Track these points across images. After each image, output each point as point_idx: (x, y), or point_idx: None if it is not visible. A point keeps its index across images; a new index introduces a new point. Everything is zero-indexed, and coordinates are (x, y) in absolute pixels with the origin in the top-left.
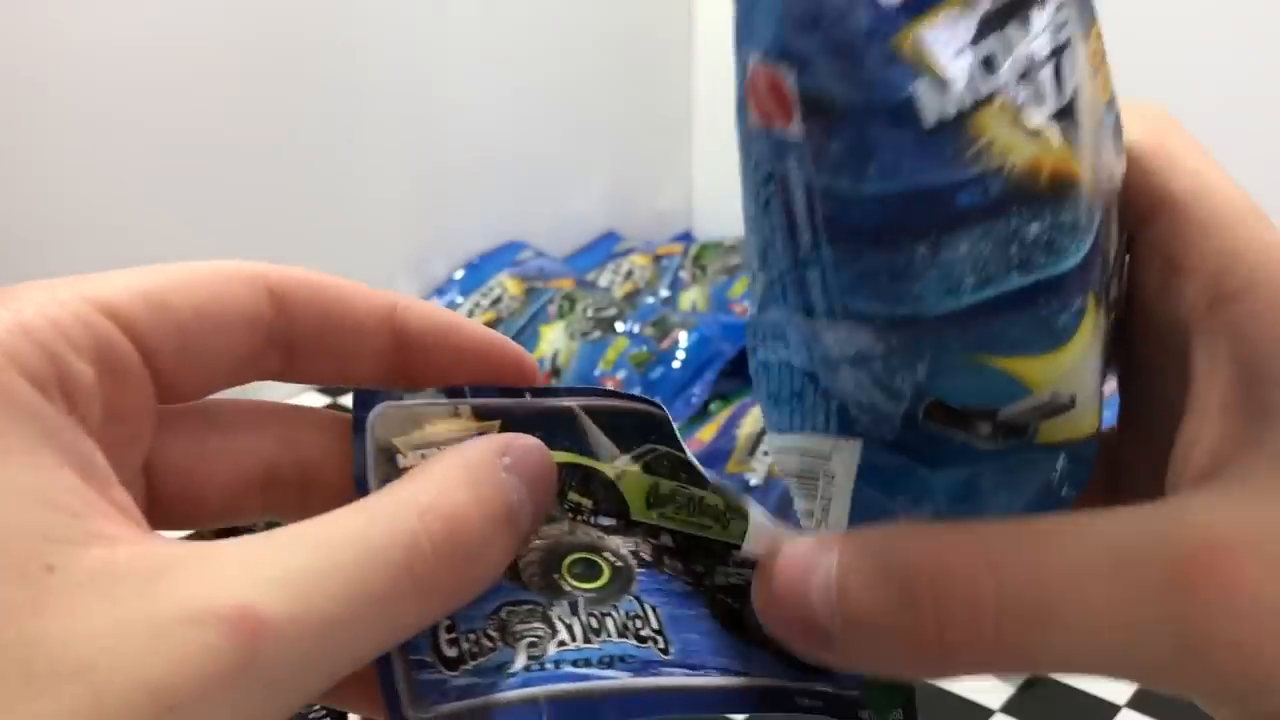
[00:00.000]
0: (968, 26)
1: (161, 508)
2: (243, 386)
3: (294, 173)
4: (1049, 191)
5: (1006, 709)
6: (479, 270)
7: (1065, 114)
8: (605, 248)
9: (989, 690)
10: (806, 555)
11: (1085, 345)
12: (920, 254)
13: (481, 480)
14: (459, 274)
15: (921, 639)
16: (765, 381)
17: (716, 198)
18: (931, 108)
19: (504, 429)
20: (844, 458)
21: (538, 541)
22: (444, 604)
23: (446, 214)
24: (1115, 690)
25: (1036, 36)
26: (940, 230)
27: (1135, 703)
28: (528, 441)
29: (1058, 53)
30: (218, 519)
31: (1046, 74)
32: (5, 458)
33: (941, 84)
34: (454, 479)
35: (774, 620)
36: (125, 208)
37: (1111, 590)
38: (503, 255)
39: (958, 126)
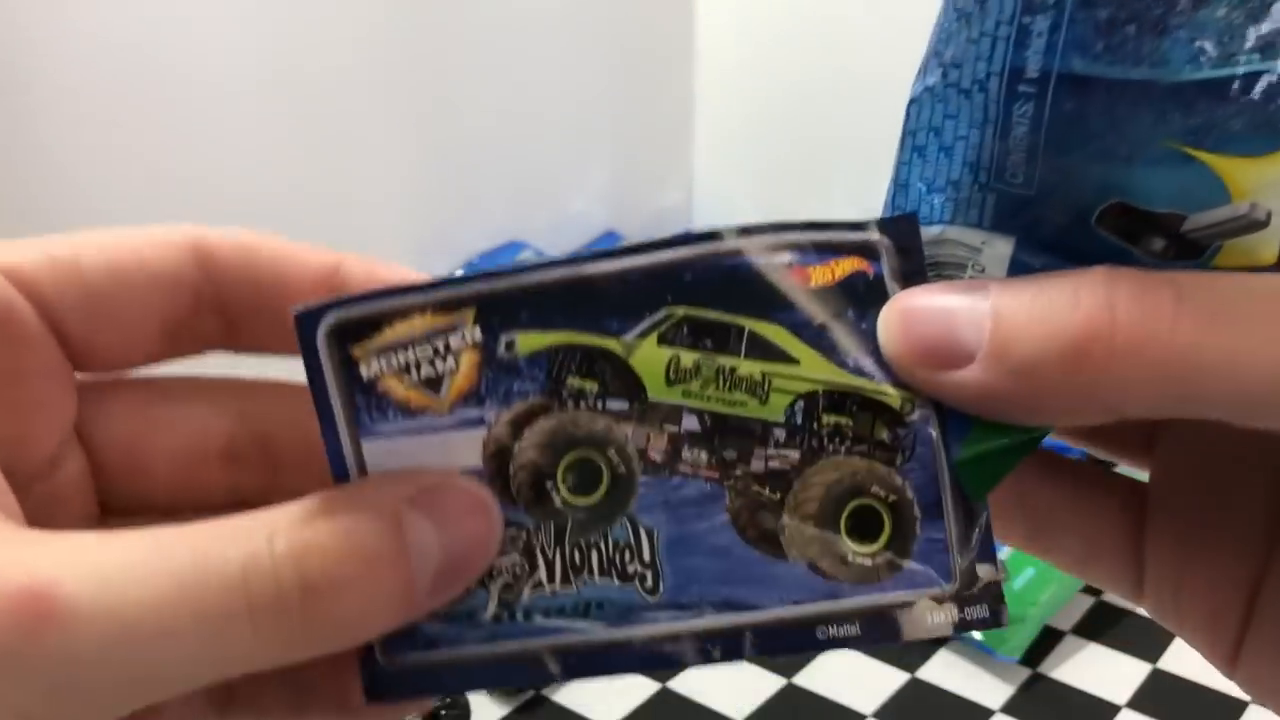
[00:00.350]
0: None
1: (107, 481)
2: (203, 361)
3: (293, 172)
4: None
5: (1007, 709)
6: (476, 270)
7: None
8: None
9: (990, 689)
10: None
11: None
12: (1180, 4)
13: (363, 511)
14: (458, 274)
15: (1093, 338)
16: (919, 166)
17: (717, 197)
18: None
19: (479, 317)
20: (996, 254)
21: (536, 430)
22: (289, 640)
23: (446, 213)
24: (1115, 690)
25: None
26: None
27: (1135, 702)
28: (454, 483)
29: None
30: (172, 496)
31: None
32: None
33: None
34: (329, 504)
35: (898, 335)
36: (123, 207)
37: None
38: (503, 255)
39: None
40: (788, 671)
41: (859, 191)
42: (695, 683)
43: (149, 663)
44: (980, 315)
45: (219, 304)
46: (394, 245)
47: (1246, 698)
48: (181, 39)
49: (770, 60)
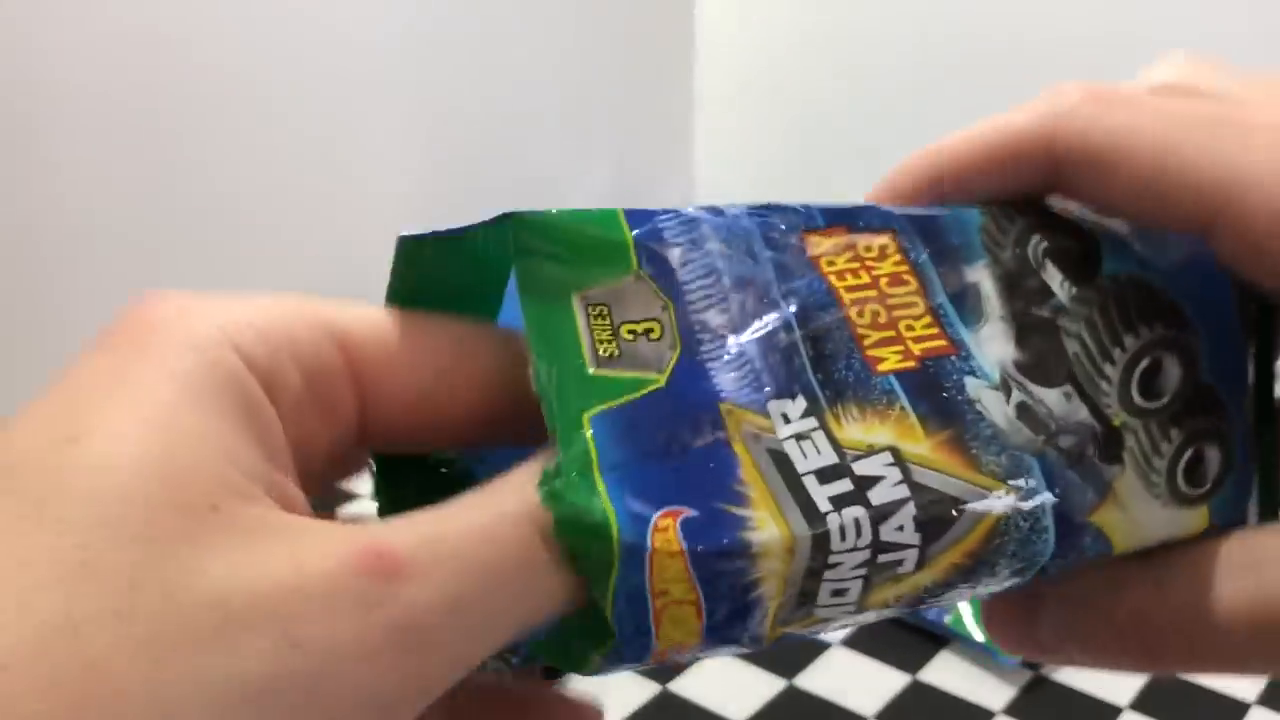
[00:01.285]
0: None
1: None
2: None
3: (293, 172)
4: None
5: (1009, 711)
6: None
7: None
8: None
9: (991, 691)
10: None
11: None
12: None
13: None
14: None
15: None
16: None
17: (718, 195)
18: None
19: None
20: None
21: None
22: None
23: (446, 213)
24: (1117, 691)
25: None
26: None
27: (1137, 704)
28: None
29: None
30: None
31: None
32: (205, 412)
33: None
34: None
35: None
36: (123, 207)
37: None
38: None
39: None
40: (789, 673)
41: (858, 192)
42: (695, 684)
43: (485, 612)
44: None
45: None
46: (393, 244)
47: (1249, 699)
48: (184, 38)
49: (771, 59)
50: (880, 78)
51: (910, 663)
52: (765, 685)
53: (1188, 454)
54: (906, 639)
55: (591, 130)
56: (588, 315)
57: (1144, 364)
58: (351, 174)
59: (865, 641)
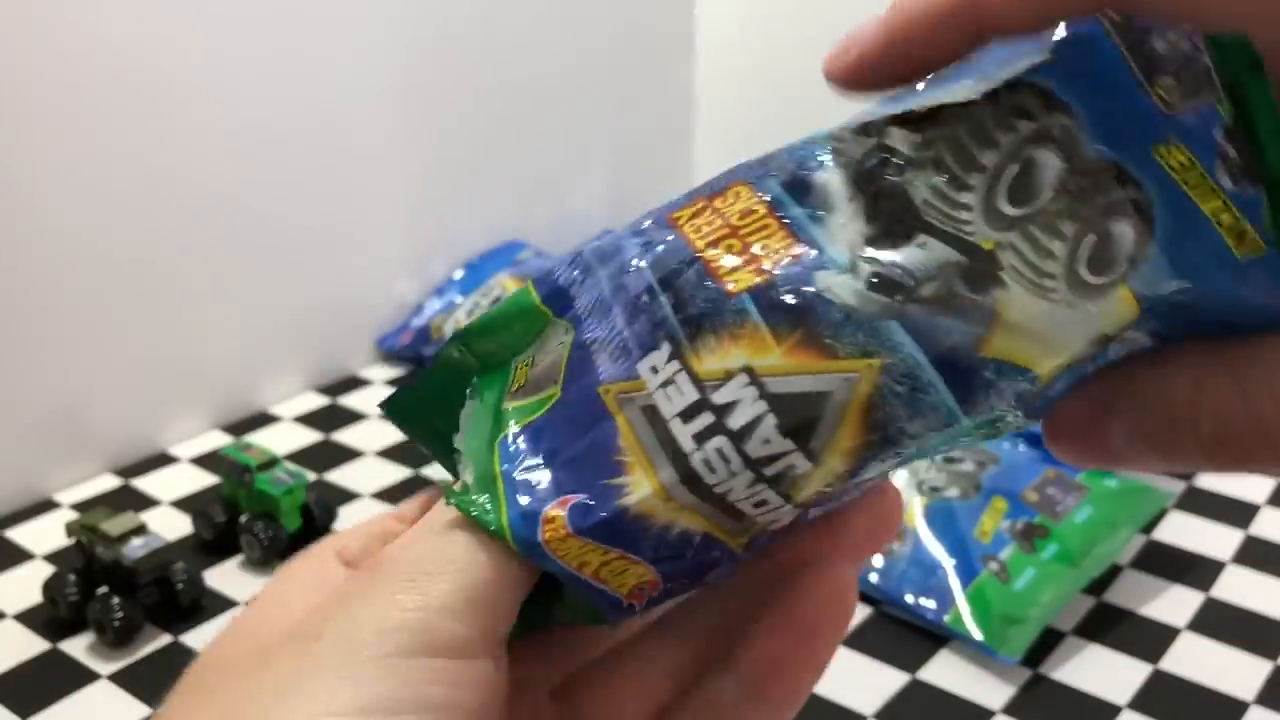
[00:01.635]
0: None
1: None
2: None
3: (293, 172)
4: None
5: (1008, 710)
6: (479, 270)
7: None
8: None
9: (991, 690)
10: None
11: None
12: None
13: None
14: (459, 274)
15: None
16: None
17: None
18: None
19: None
20: None
21: None
22: None
23: (446, 213)
24: (1116, 691)
25: None
26: None
27: (1136, 703)
28: None
29: None
30: None
31: None
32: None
33: None
34: None
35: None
36: (123, 208)
37: None
38: (503, 255)
39: None
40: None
41: None
42: None
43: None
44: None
45: None
46: (394, 245)
47: (1249, 698)
48: (186, 39)
49: (771, 59)
50: None
51: (909, 662)
52: None
53: (1088, 241)
54: (905, 638)
55: (592, 130)
56: (514, 370)
57: (1011, 172)
58: (353, 174)
59: (864, 640)
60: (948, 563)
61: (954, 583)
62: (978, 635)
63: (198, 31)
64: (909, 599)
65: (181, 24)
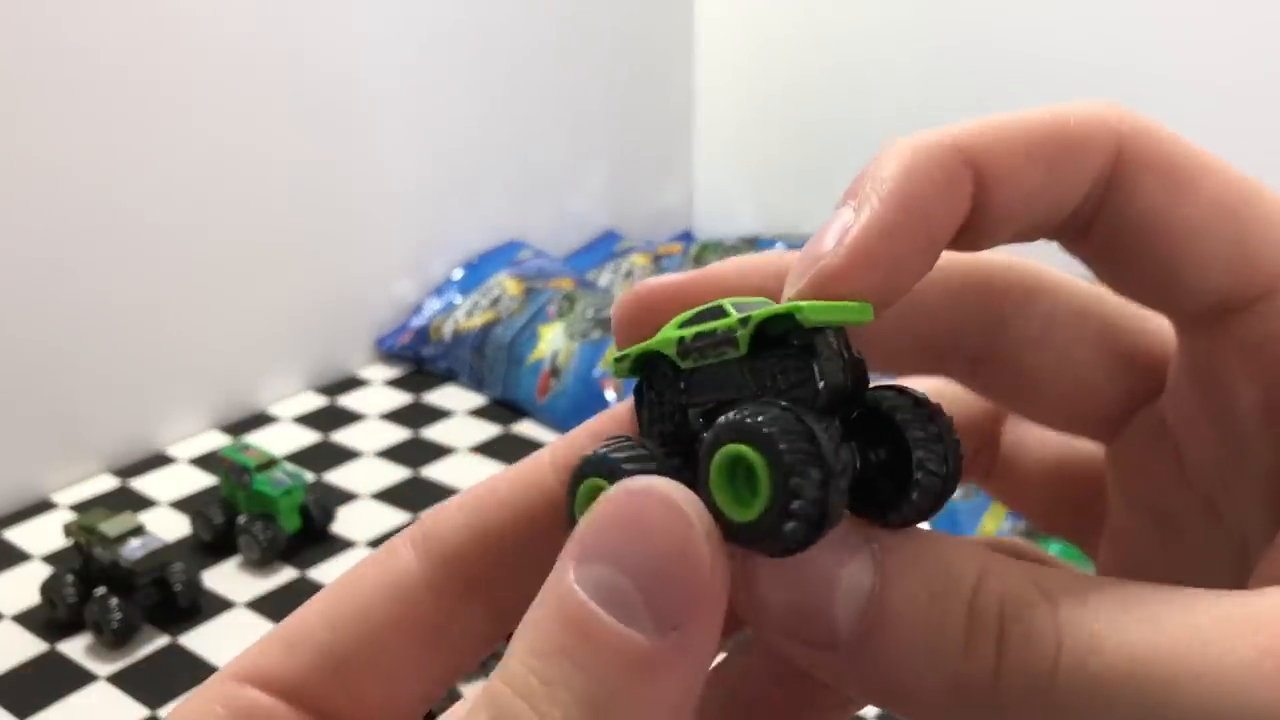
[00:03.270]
0: None
1: None
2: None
3: (293, 173)
4: None
5: None
6: (478, 270)
7: None
8: (605, 247)
9: None
10: (834, 550)
11: None
12: None
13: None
14: (458, 274)
15: (970, 669)
16: None
17: (717, 196)
18: None
19: None
20: None
21: None
22: None
23: (446, 213)
24: None
25: None
26: None
27: None
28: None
29: None
30: None
31: None
32: None
33: None
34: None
35: (771, 605)
36: (120, 207)
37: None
38: (502, 255)
39: None
40: None
41: None
42: None
43: None
44: (859, 600)
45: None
46: (393, 245)
47: None
48: (188, 41)
49: (770, 60)
50: (879, 77)
51: None
52: None
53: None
54: None
55: (591, 130)
56: None
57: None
58: (352, 174)
59: None
60: None
61: None
62: None
63: (197, 34)
64: None
65: (183, 26)
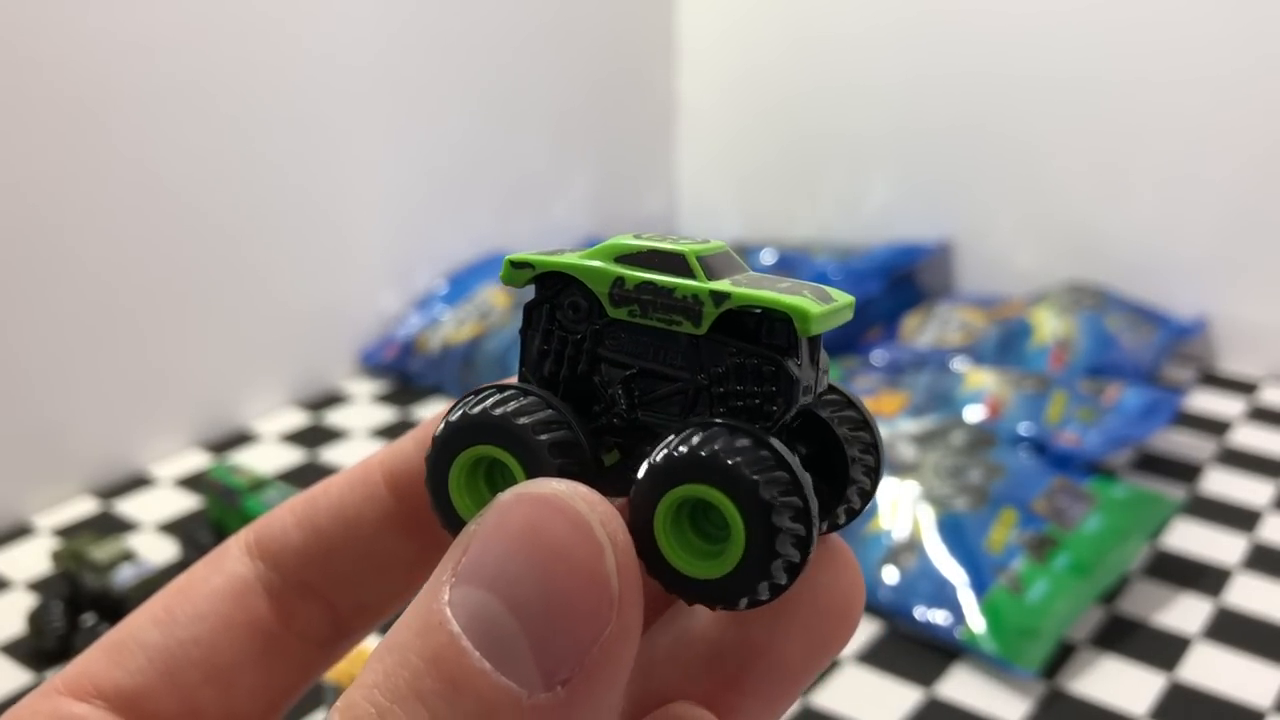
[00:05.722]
0: None
1: None
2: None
3: (274, 185)
4: None
5: None
6: (463, 283)
7: None
8: None
9: (1008, 704)
10: None
11: None
12: None
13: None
14: (443, 288)
15: None
16: None
17: (700, 203)
18: None
19: None
20: None
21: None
22: None
23: (428, 225)
24: (1135, 702)
25: None
26: None
27: (1156, 715)
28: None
29: None
30: None
31: None
32: None
33: None
34: None
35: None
36: (98, 220)
37: None
38: (488, 267)
39: None
40: (805, 691)
41: (841, 197)
42: None
43: None
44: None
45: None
46: (377, 258)
47: (1267, 705)
48: (164, 51)
49: (752, 66)
50: (862, 81)
51: (924, 677)
52: None
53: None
54: (918, 653)
55: (574, 138)
56: None
57: None
58: (335, 185)
59: (877, 657)
60: (958, 576)
61: (966, 596)
62: (993, 649)
63: (175, 44)
64: (919, 613)
65: (159, 35)
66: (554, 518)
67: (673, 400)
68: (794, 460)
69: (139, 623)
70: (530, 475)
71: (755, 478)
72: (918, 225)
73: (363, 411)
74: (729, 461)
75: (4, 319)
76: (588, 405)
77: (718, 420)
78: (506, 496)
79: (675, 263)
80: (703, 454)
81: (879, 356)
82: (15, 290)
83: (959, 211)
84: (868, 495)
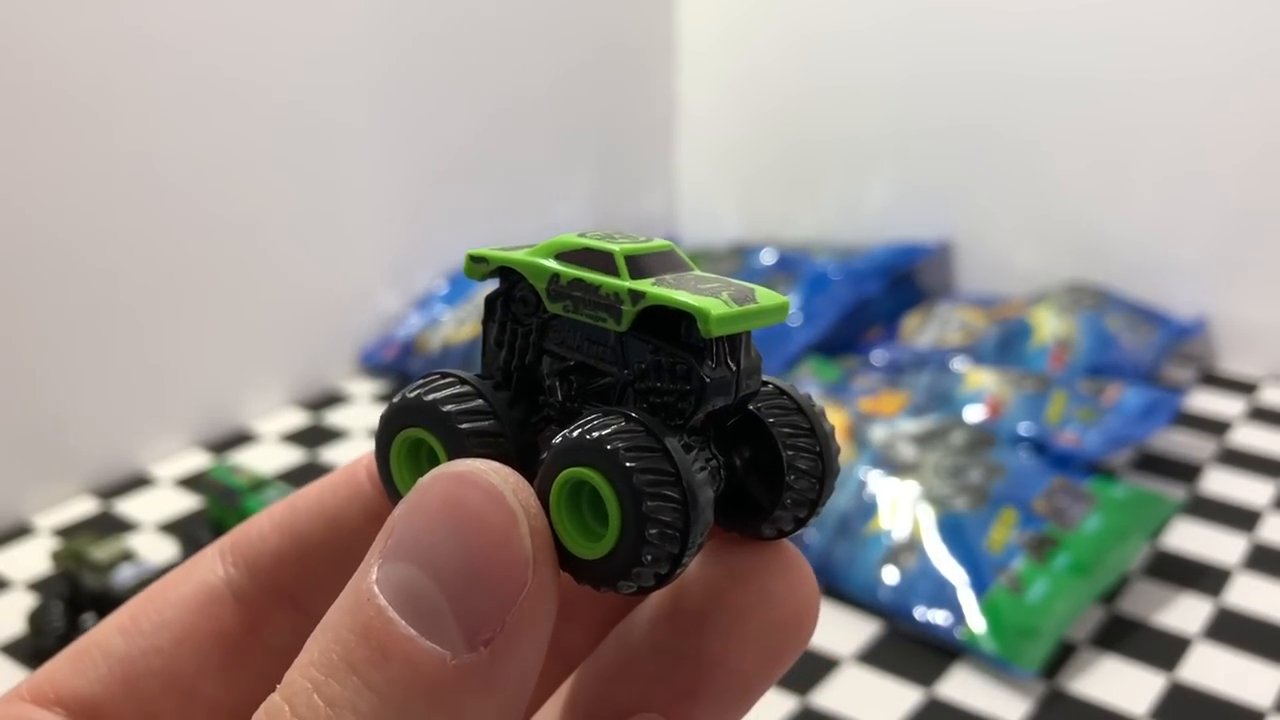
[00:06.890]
0: None
1: None
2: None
3: (274, 185)
4: None
5: None
6: (463, 282)
7: None
8: None
9: (1008, 704)
10: None
11: None
12: None
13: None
14: (443, 287)
15: None
16: None
17: (700, 204)
18: None
19: None
20: None
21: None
22: None
23: (428, 224)
24: (1135, 702)
25: None
26: None
27: (1157, 715)
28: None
29: None
30: None
31: None
32: None
33: None
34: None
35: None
36: (98, 222)
37: None
38: None
39: None
40: (801, 690)
41: (841, 197)
42: None
43: None
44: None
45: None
46: (376, 257)
47: (1267, 705)
48: (163, 53)
49: (753, 67)
50: (863, 80)
51: (924, 677)
52: (778, 704)
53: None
54: (918, 653)
55: (573, 141)
56: None
57: None
58: (335, 187)
59: (877, 657)
60: (958, 576)
61: (966, 596)
62: (993, 649)
63: (175, 45)
64: (919, 613)
65: (158, 37)
66: (469, 490)
67: (606, 394)
68: (685, 456)
69: (106, 631)
70: (453, 458)
71: (630, 464)
72: (918, 225)
73: (363, 411)
74: (608, 447)
75: (4, 319)
76: (535, 395)
77: (631, 412)
78: (426, 478)
79: (604, 261)
80: (589, 438)
81: (879, 356)
82: (15, 290)
83: (959, 211)
84: (812, 504)
